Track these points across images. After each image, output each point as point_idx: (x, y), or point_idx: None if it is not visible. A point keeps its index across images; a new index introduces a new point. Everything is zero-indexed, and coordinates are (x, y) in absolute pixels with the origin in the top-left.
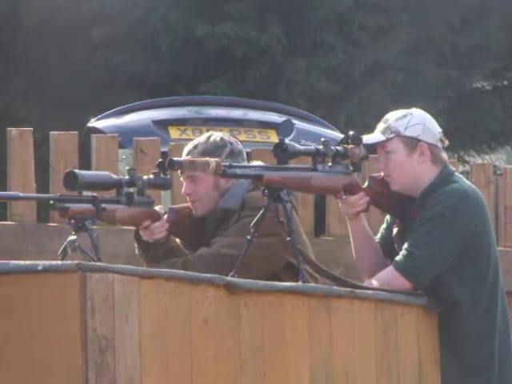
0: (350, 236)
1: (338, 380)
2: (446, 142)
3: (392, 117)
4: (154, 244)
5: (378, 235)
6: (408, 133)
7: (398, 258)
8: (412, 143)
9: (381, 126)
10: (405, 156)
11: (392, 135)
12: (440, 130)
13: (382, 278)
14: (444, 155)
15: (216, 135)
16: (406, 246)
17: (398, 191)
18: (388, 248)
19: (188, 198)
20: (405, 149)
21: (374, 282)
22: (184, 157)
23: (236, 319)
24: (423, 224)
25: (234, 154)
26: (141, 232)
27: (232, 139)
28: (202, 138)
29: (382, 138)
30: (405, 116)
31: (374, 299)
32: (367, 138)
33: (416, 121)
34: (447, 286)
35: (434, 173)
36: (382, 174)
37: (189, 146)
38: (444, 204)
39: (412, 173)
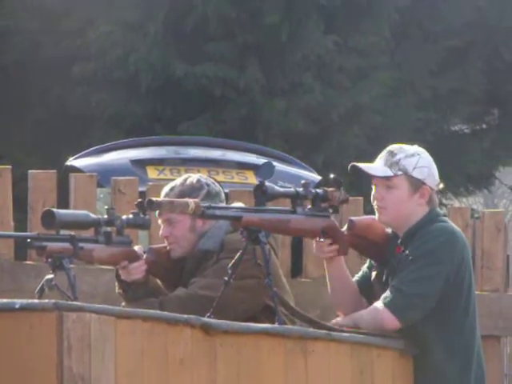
0: (326, 274)
1: None
2: (441, 186)
3: (401, 153)
4: (133, 284)
5: (359, 273)
6: (415, 174)
7: (387, 295)
8: (416, 185)
9: (387, 158)
10: (406, 195)
11: (400, 172)
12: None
13: (369, 315)
14: (436, 198)
15: (193, 177)
16: (395, 283)
17: (384, 223)
18: (366, 288)
19: (166, 241)
20: (408, 188)
21: (358, 320)
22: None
23: (212, 359)
24: (413, 261)
25: (211, 195)
26: (119, 272)
27: (209, 181)
28: (178, 181)
29: (390, 173)
30: (413, 155)
31: (350, 342)
32: (373, 169)
33: (424, 163)
34: (426, 327)
35: (424, 212)
36: (375, 203)
37: (165, 189)
38: (434, 242)
39: (407, 211)
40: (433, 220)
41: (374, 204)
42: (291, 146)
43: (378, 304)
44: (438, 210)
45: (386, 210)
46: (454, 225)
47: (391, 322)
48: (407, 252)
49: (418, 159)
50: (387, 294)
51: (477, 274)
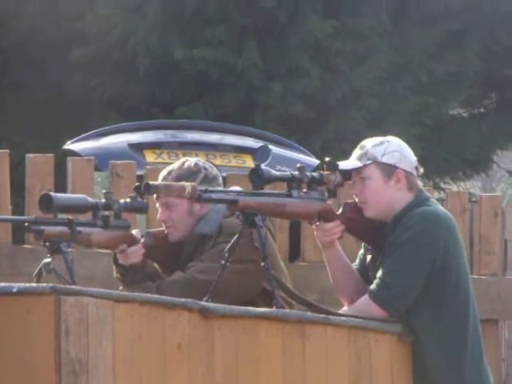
0: (326, 264)
1: None
2: (421, 170)
3: (369, 143)
4: (130, 268)
5: (357, 261)
6: (385, 160)
7: (373, 286)
8: (389, 170)
9: (357, 152)
10: (381, 183)
11: (369, 161)
12: (415, 158)
13: (357, 307)
14: (419, 183)
15: (190, 161)
16: (379, 273)
17: (372, 218)
18: (366, 273)
19: (163, 225)
20: (382, 175)
21: (350, 312)
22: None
23: (210, 344)
24: (395, 250)
25: (208, 179)
26: (117, 256)
27: (207, 164)
28: (176, 164)
29: (359, 164)
30: (382, 143)
31: (347, 326)
32: (344, 164)
33: (393, 148)
34: (415, 315)
35: (409, 198)
36: (357, 200)
37: (163, 173)
38: (415, 229)
39: (388, 199)
40: (419, 205)
41: (357, 201)
42: (289, 130)
43: (366, 297)
44: (427, 194)
45: (367, 205)
46: (440, 208)
47: (379, 314)
48: (391, 240)
49: (386, 146)
50: (373, 286)
51: (475, 258)
